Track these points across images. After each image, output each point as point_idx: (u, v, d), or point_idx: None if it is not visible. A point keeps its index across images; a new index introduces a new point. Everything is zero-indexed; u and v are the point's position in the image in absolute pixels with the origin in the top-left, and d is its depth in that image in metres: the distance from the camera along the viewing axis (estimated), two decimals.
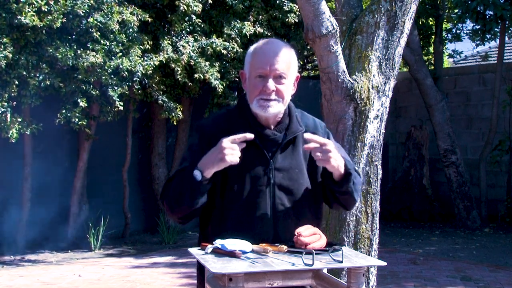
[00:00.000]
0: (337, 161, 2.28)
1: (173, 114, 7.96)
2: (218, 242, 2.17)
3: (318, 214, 2.46)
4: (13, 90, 6.95)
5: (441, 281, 6.29)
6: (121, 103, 7.45)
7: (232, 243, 2.14)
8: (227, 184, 2.32)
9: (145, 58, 7.60)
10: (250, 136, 2.22)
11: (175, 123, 8.49)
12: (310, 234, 2.25)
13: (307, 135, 2.28)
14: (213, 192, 2.32)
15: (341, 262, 2.08)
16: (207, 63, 7.82)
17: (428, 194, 10.61)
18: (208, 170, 2.24)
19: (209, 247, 2.18)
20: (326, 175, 2.37)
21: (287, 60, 2.33)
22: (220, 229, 2.32)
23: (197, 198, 2.26)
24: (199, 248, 2.24)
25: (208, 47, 7.90)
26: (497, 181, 10.53)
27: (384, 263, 2.14)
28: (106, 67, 7.12)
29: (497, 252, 7.95)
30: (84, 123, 7.46)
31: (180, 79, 7.87)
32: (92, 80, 7.27)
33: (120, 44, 7.33)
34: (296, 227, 2.30)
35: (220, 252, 2.14)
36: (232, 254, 2.11)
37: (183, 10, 7.77)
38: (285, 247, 2.18)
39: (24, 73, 6.96)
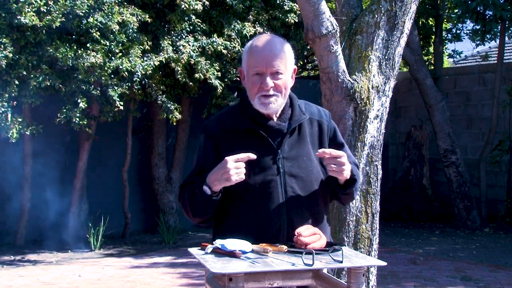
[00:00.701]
0: (347, 171, 2.35)
1: (171, 115, 7.96)
2: (218, 242, 2.17)
3: (327, 200, 2.51)
4: (13, 90, 6.95)
5: (441, 281, 6.29)
6: (121, 103, 7.45)
7: (232, 243, 2.14)
8: None
9: (145, 58, 7.60)
10: (253, 156, 2.27)
11: (174, 124, 8.48)
12: (310, 234, 2.25)
13: (322, 150, 2.33)
14: (226, 187, 2.35)
15: (341, 262, 2.08)
16: (207, 62, 7.82)
17: (428, 194, 10.60)
18: (215, 187, 2.30)
19: (209, 247, 2.18)
20: (331, 178, 2.42)
21: (282, 56, 2.37)
22: (236, 222, 2.36)
23: (210, 209, 2.36)
24: (199, 248, 2.24)
25: (209, 46, 7.89)
26: (497, 181, 10.53)
27: (384, 263, 2.14)
28: (106, 68, 7.12)
29: (497, 252, 7.95)
30: (84, 123, 7.46)
31: (180, 78, 7.87)
32: (92, 80, 7.27)
33: (120, 44, 7.33)
34: (309, 214, 2.38)
35: (220, 252, 2.14)
36: (232, 254, 2.11)
37: (184, 9, 7.76)
38: (285, 247, 2.18)
39: (24, 73, 6.96)
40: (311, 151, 2.43)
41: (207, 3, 8.12)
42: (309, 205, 2.39)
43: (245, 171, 2.27)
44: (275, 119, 2.41)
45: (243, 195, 2.35)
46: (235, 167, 2.24)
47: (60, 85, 7.20)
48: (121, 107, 7.49)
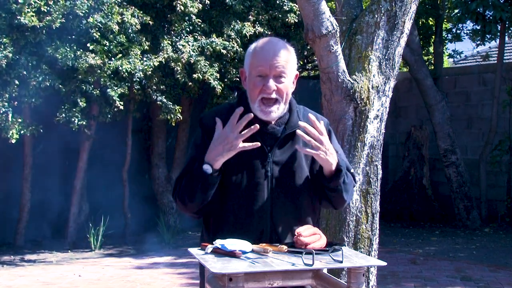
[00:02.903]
0: (327, 155, 2.30)
1: (172, 116, 7.95)
2: (218, 242, 2.17)
3: (316, 210, 2.47)
4: (13, 90, 6.95)
5: (441, 281, 6.29)
6: (121, 103, 7.44)
7: (232, 243, 2.14)
8: (225, 176, 2.33)
9: (145, 59, 7.60)
10: (250, 115, 2.25)
11: (173, 125, 8.47)
12: (310, 234, 2.25)
13: (302, 123, 2.30)
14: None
15: (341, 262, 2.08)
16: (206, 63, 7.82)
17: (428, 194, 10.60)
18: (218, 162, 2.27)
19: (209, 247, 2.18)
20: (318, 169, 2.39)
21: (286, 59, 2.35)
22: (220, 222, 2.35)
23: (209, 190, 2.30)
24: (199, 248, 2.24)
25: (208, 47, 7.88)
26: (497, 181, 10.53)
27: (384, 263, 2.14)
28: (105, 69, 7.11)
29: (497, 252, 7.95)
30: (84, 123, 7.46)
31: (179, 78, 7.87)
32: (92, 80, 7.27)
33: (120, 45, 7.33)
34: (294, 221, 2.35)
35: (220, 252, 2.14)
36: (232, 254, 2.11)
37: (181, 11, 7.76)
38: (285, 247, 2.18)
39: (24, 73, 6.97)
40: (303, 158, 2.39)
41: (207, 2, 8.12)
42: (295, 212, 2.36)
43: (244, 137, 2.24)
44: (272, 122, 2.39)
45: (228, 195, 2.33)
46: (236, 133, 2.23)
47: (60, 85, 7.20)
48: (121, 107, 7.48)
